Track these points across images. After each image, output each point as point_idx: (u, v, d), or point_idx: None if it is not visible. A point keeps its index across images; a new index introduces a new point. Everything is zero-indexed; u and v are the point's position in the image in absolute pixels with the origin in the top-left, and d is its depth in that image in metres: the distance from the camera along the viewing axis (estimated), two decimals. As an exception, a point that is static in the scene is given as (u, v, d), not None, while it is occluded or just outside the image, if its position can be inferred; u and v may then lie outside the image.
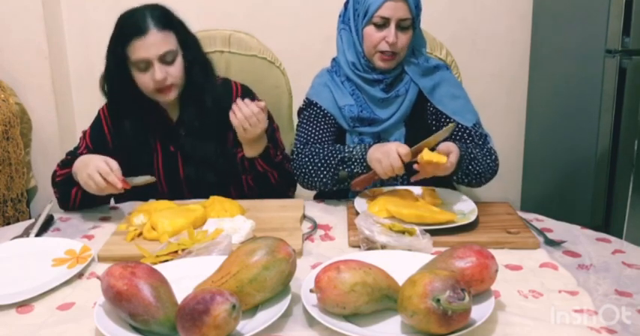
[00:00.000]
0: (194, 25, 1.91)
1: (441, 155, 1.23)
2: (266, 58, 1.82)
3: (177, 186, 1.54)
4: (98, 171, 1.29)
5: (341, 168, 1.38)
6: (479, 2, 2.35)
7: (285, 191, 1.55)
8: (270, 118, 1.59)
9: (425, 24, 1.57)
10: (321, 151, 1.42)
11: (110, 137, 1.53)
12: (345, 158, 1.37)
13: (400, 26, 1.40)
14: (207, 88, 1.51)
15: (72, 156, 1.49)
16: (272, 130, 1.56)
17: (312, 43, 2.25)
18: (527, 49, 2.37)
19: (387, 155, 1.27)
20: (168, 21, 1.44)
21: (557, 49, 2.15)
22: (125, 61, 1.42)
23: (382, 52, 1.42)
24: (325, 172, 1.39)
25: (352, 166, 1.36)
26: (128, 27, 1.41)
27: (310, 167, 1.41)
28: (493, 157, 1.42)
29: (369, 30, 1.42)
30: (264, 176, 1.48)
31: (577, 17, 1.99)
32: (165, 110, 1.54)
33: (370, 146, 1.35)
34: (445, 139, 1.31)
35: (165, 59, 1.41)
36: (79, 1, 2.35)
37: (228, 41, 1.82)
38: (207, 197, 1.39)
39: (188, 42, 1.48)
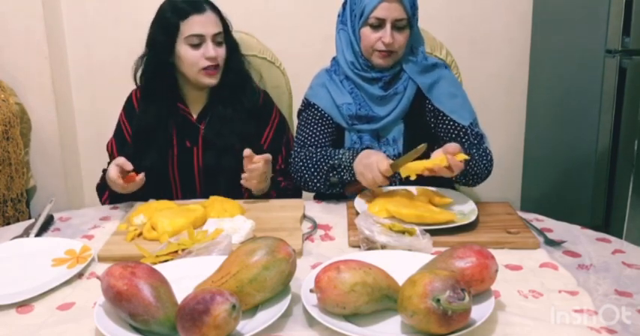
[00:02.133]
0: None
1: (436, 159, 1.24)
2: (266, 58, 1.82)
3: (189, 182, 1.56)
4: (111, 178, 1.34)
5: (331, 175, 1.40)
6: (479, 2, 2.35)
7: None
8: (287, 127, 1.65)
9: (424, 23, 1.57)
10: (314, 155, 1.44)
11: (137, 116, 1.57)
12: (334, 165, 1.39)
13: (396, 26, 1.41)
14: (241, 78, 1.56)
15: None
16: (287, 141, 1.61)
17: (312, 43, 2.25)
18: (527, 49, 2.37)
19: (370, 170, 1.30)
20: (217, 8, 1.52)
21: (557, 49, 2.15)
22: (173, 39, 1.46)
23: (379, 51, 1.43)
24: (318, 177, 1.42)
25: (342, 173, 1.39)
26: (186, 3, 1.47)
27: (304, 171, 1.44)
28: (489, 157, 1.43)
29: (366, 31, 1.43)
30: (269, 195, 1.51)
31: (577, 17, 1.99)
32: (187, 106, 1.56)
33: (358, 153, 1.37)
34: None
35: (217, 39, 1.49)
36: (79, 1, 2.35)
37: (228, 41, 1.81)
38: (217, 194, 1.40)
39: (229, 33, 1.56)
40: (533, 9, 2.31)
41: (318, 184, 1.43)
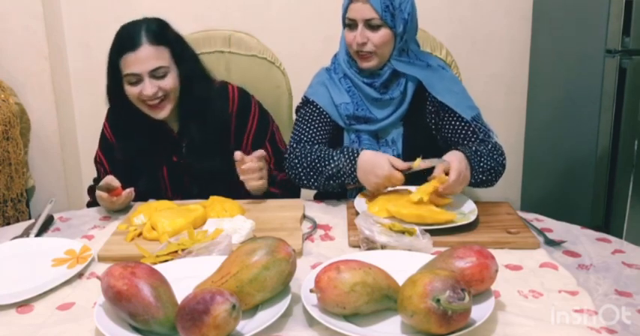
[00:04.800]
0: (194, 26, 1.92)
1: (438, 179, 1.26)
2: (266, 58, 1.82)
3: (184, 195, 1.53)
4: (101, 197, 1.36)
5: (332, 181, 1.38)
6: (479, 2, 2.35)
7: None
8: (269, 120, 1.60)
9: (424, 24, 1.57)
10: (309, 154, 1.42)
11: (115, 147, 1.55)
12: (334, 173, 1.37)
13: (369, 25, 1.40)
14: (205, 102, 1.50)
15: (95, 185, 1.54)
16: (272, 133, 1.58)
17: (312, 43, 2.25)
18: (527, 49, 2.37)
19: (385, 178, 1.29)
20: (162, 36, 1.43)
21: (557, 48, 2.15)
22: (120, 74, 1.42)
23: (357, 52, 1.44)
24: (316, 177, 1.41)
25: (342, 178, 1.37)
26: (122, 40, 1.42)
27: (300, 169, 1.43)
28: (499, 151, 1.41)
29: (345, 32, 1.45)
30: (270, 194, 1.50)
31: (577, 17, 1.99)
32: (166, 123, 1.54)
33: (354, 156, 1.34)
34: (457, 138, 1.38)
35: (156, 74, 1.40)
36: (79, 1, 2.35)
37: (228, 41, 1.82)
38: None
39: (184, 57, 1.47)
40: (533, 9, 2.31)
41: (315, 184, 1.42)
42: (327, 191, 1.45)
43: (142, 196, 1.42)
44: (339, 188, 1.42)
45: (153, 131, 1.52)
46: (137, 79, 1.40)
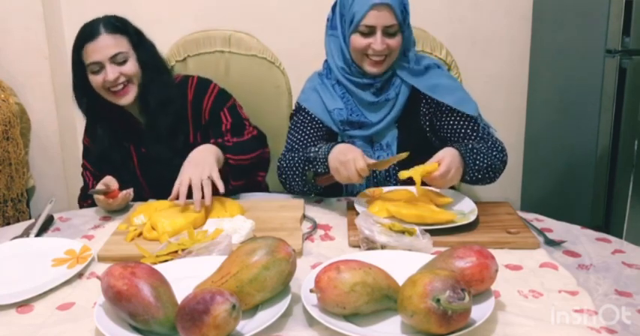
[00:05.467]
0: (194, 26, 1.92)
1: (428, 166, 1.24)
2: (266, 58, 1.82)
3: (156, 187, 1.53)
4: (98, 198, 1.39)
5: (307, 168, 1.39)
6: (479, 2, 2.34)
7: (263, 158, 1.56)
8: (229, 97, 1.60)
9: (425, 24, 1.57)
10: (295, 156, 1.43)
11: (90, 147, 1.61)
12: (310, 158, 1.38)
13: (387, 32, 1.39)
14: (166, 90, 1.53)
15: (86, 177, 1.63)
16: (232, 106, 1.58)
17: (312, 43, 2.24)
18: (527, 49, 2.37)
19: (345, 167, 1.27)
20: (120, 26, 1.48)
21: (557, 49, 2.15)
22: (85, 69, 1.46)
23: (370, 57, 1.42)
24: (297, 174, 1.42)
25: (317, 166, 1.36)
26: (83, 34, 1.47)
27: (288, 172, 1.44)
28: (499, 148, 1.41)
29: (356, 38, 1.41)
30: (240, 166, 1.47)
31: (577, 17, 1.99)
32: (133, 115, 1.56)
33: (333, 147, 1.34)
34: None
35: (117, 60, 1.45)
36: (79, 1, 2.34)
37: (228, 41, 1.82)
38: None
39: (142, 45, 1.51)
40: (533, 9, 2.31)
41: (296, 181, 1.42)
42: (306, 193, 1.46)
43: (122, 188, 1.42)
44: (313, 181, 1.41)
45: (121, 123, 1.56)
46: (99, 67, 1.44)
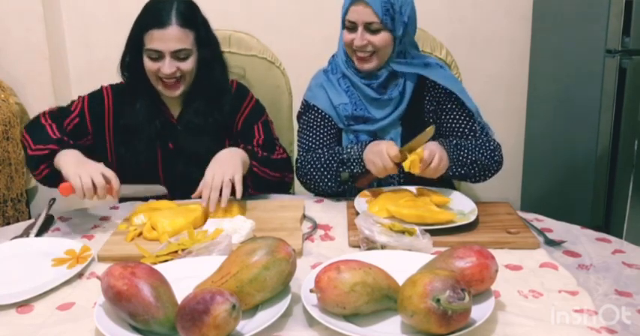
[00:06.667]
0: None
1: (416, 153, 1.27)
2: (266, 58, 1.82)
3: (175, 184, 1.52)
4: (92, 180, 1.26)
5: (341, 170, 1.40)
6: (479, 2, 2.35)
7: (285, 181, 1.54)
8: (264, 111, 1.59)
9: (425, 24, 1.56)
10: (322, 156, 1.44)
11: (109, 121, 1.53)
12: (344, 160, 1.40)
13: (369, 29, 1.41)
14: (218, 88, 1.52)
15: (59, 122, 1.50)
16: (265, 121, 1.57)
17: (312, 43, 2.25)
18: (527, 49, 2.37)
19: (379, 156, 1.30)
20: (191, 19, 1.44)
21: (557, 49, 2.15)
22: (141, 46, 1.43)
23: (356, 53, 1.44)
24: (329, 177, 1.42)
25: (352, 167, 1.39)
26: (151, 15, 1.42)
27: (314, 173, 1.44)
28: (492, 147, 1.42)
29: (344, 32, 1.45)
30: (262, 178, 1.46)
31: (577, 17, 1.99)
32: (168, 108, 1.54)
33: (366, 145, 1.37)
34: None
35: (179, 55, 1.42)
36: (79, 1, 2.35)
37: (228, 41, 1.82)
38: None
39: (207, 41, 1.48)
40: (533, 9, 2.31)
41: (329, 184, 1.43)
42: (340, 194, 1.45)
43: (136, 175, 1.40)
44: (352, 181, 1.42)
45: (154, 113, 1.52)
46: (159, 56, 1.41)
